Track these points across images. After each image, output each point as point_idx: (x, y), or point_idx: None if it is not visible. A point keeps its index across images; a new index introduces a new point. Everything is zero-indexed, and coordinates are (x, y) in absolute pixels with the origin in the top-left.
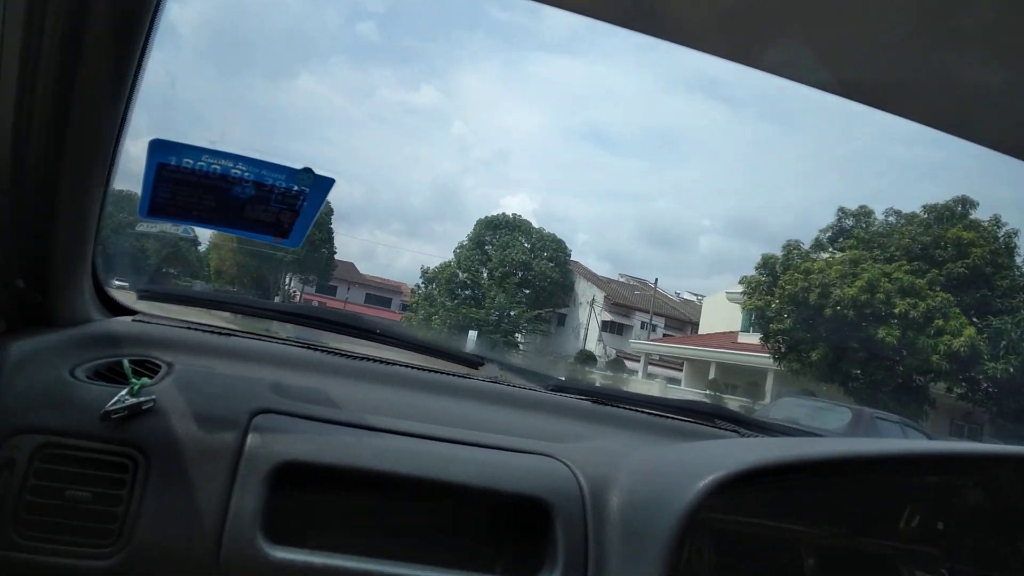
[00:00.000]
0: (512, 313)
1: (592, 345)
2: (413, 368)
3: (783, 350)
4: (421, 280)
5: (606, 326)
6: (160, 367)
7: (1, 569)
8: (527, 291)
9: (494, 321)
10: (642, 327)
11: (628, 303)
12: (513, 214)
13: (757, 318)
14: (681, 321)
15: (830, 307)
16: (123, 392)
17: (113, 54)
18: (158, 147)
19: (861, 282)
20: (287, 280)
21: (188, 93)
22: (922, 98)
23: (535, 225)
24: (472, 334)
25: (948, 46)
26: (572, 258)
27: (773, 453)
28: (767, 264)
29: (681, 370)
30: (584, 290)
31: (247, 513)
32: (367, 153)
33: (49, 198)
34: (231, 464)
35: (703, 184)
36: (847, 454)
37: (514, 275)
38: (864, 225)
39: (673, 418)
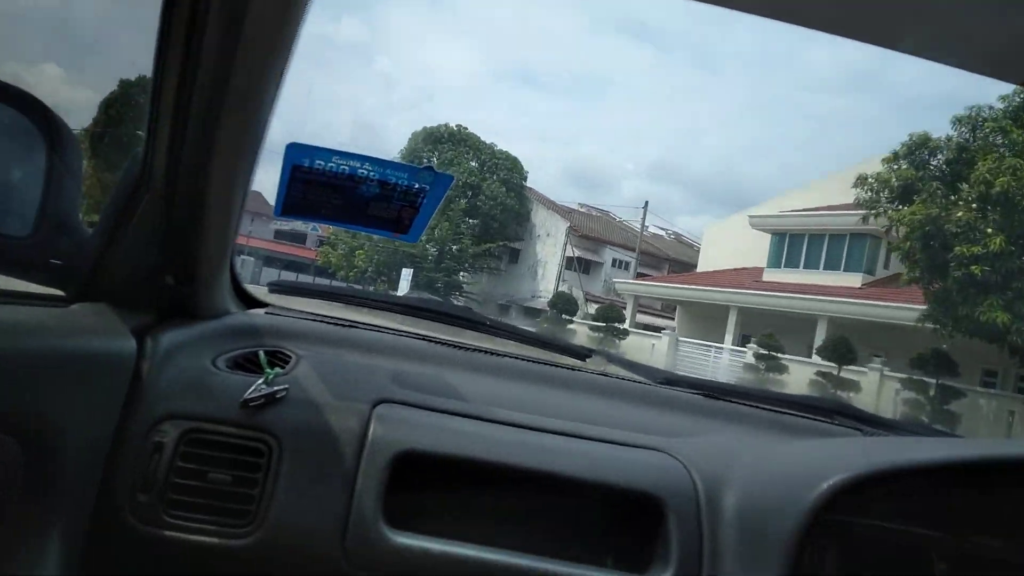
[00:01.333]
0: (455, 247)
1: (552, 286)
2: (522, 359)
3: (934, 296)
4: None
5: (572, 263)
6: (291, 357)
7: (153, 546)
8: (474, 220)
9: (433, 257)
10: (615, 264)
11: (598, 235)
12: (457, 125)
13: (899, 242)
14: (657, 258)
15: None
16: (260, 381)
17: (259, 68)
18: (294, 150)
19: None
20: None
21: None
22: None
23: (484, 140)
24: (406, 273)
25: None
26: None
27: (902, 455)
28: (920, 147)
29: (668, 317)
30: (543, 220)
31: (370, 498)
32: (284, 88)
33: (199, 202)
34: (356, 451)
35: (628, 129)
36: (983, 457)
37: (458, 200)
38: None
39: (790, 414)
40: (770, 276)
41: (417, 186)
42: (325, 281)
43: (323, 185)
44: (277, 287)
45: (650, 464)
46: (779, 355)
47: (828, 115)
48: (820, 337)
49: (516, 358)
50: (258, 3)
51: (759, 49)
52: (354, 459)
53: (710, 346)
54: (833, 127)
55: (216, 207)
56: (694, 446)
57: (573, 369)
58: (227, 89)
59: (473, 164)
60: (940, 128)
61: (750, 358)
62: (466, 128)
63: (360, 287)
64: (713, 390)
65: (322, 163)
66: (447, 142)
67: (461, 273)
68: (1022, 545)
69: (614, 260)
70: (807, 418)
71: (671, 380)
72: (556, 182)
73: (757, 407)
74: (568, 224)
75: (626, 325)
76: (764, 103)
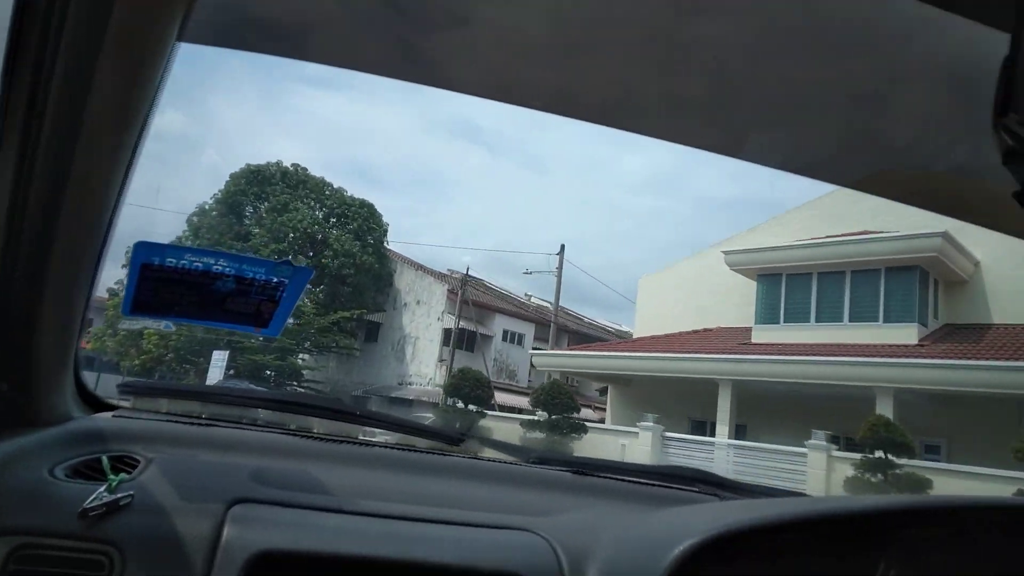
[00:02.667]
0: (291, 321)
1: (426, 368)
2: (393, 448)
3: None
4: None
5: (448, 338)
6: (139, 461)
7: None
8: (318, 287)
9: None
10: (507, 338)
11: (487, 301)
12: (293, 164)
13: None
14: (563, 330)
15: None
16: (101, 489)
17: (102, 157)
18: (143, 249)
19: None
20: None
21: None
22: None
23: (330, 183)
24: (217, 357)
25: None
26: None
27: (745, 516)
28: None
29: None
30: (410, 284)
31: None
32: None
33: (35, 301)
34: (207, 556)
35: (465, 223)
36: (821, 512)
37: (295, 257)
38: None
39: (654, 484)
40: (763, 336)
41: (275, 280)
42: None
43: (175, 283)
44: (128, 388)
45: (516, 544)
46: (902, 460)
47: (644, 213)
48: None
49: (386, 447)
50: (103, 86)
51: (583, 152)
52: (205, 566)
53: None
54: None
55: (55, 307)
56: (560, 523)
57: (444, 454)
58: (67, 181)
59: (317, 213)
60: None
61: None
62: (305, 169)
63: (164, 378)
64: (582, 466)
65: (173, 261)
66: (275, 182)
67: (299, 356)
68: None
69: (506, 332)
70: (670, 488)
71: (543, 459)
72: None
73: (623, 480)
74: (446, 287)
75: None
76: (588, 201)
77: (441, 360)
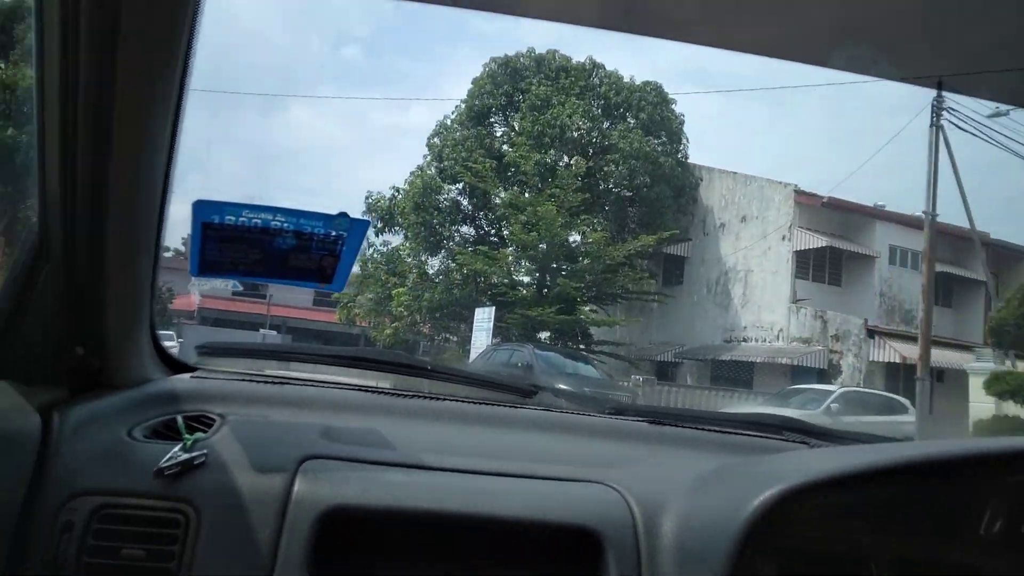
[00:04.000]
0: (567, 266)
1: (777, 312)
2: (465, 401)
3: None
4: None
5: (807, 263)
6: (214, 421)
7: None
8: (602, 211)
9: (530, 283)
10: (894, 259)
11: (852, 205)
12: (548, 50)
13: None
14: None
15: None
16: (176, 448)
17: (141, 125)
18: (202, 207)
19: None
20: None
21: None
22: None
23: (599, 63)
24: (481, 316)
25: None
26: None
27: (834, 463)
28: None
29: None
30: (728, 195)
31: (295, 559)
32: (363, 178)
33: (98, 266)
34: (279, 512)
35: None
36: (913, 459)
37: (564, 172)
38: None
39: (737, 433)
40: None
41: (335, 233)
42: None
43: (238, 240)
44: (206, 349)
45: (588, 497)
46: None
47: None
48: None
49: (458, 400)
50: (132, 54)
51: None
52: (276, 522)
53: None
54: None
55: (120, 271)
56: (634, 474)
57: (517, 407)
58: (111, 150)
59: (596, 110)
60: None
61: None
62: (567, 57)
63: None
64: (660, 416)
65: (232, 218)
66: (531, 75)
67: (586, 307)
68: (958, 544)
69: (893, 250)
70: (754, 436)
71: (618, 410)
72: None
73: (704, 429)
74: (790, 189)
75: None
76: None
77: (797, 300)
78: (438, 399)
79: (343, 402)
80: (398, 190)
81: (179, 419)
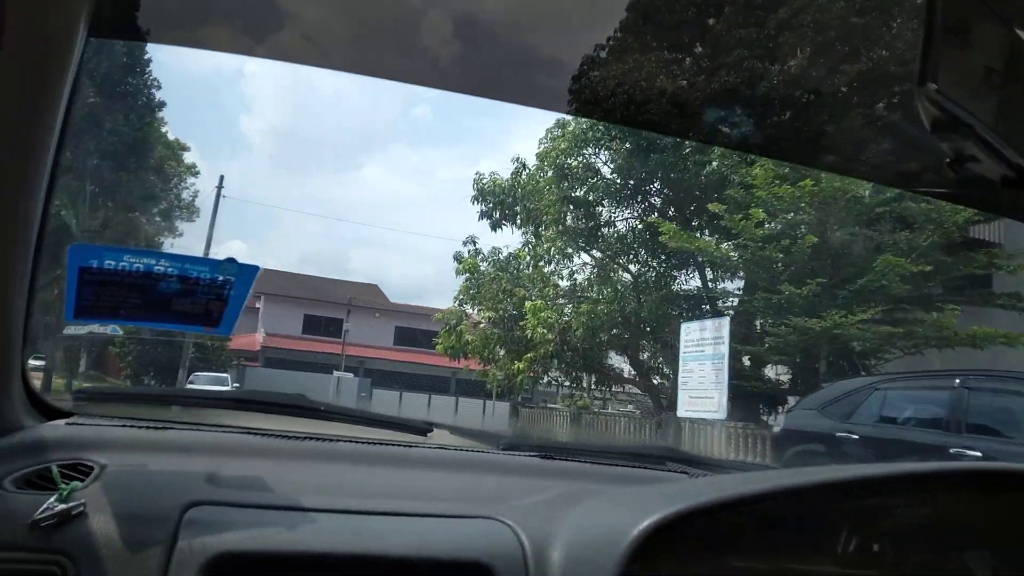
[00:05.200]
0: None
1: None
2: (357, 442)
3: None
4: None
5: None
6: (93, 468)
7: None
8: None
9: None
10: None
11: None
12: None
13: None
14: None
15: None
16: (52, 499)
17: (23, 150)
18: (78, 252)
19: None
20: None
21: (264, 195)
22: None
23: None
24: (707, 330)
25: None
26: None
27: (710, 493)
28: None
29: None
30: None
31: None
32: (438, 230)
33: None
34: (163, 562)
35: None
36: (785, 486)
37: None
38: None
39: (624, 465)
40: None
41: (221, 278)
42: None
43: (116, 285)
44: (83, 395)
45: (479, 533)
46: None
47: None
48: None
49: (351, 442)
50: (8, 86)
51: None
52: (160, 572)
53: None
54: None
55: None
56: (524, 508)
57: (411, 446)
58: None
59: None
60: None
61: None
62: None
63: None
64: (550, 450)
65: (112, 263)
66: None
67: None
68: (824, 561)
69: None
70: (639, 467)
71: (512, 445)
72: None
73: (592, 463)
74: None
75: None
76: None
77: None
78: (331, 440)
79: (229, 446)
80: (523, 164)
81: (54, 468)
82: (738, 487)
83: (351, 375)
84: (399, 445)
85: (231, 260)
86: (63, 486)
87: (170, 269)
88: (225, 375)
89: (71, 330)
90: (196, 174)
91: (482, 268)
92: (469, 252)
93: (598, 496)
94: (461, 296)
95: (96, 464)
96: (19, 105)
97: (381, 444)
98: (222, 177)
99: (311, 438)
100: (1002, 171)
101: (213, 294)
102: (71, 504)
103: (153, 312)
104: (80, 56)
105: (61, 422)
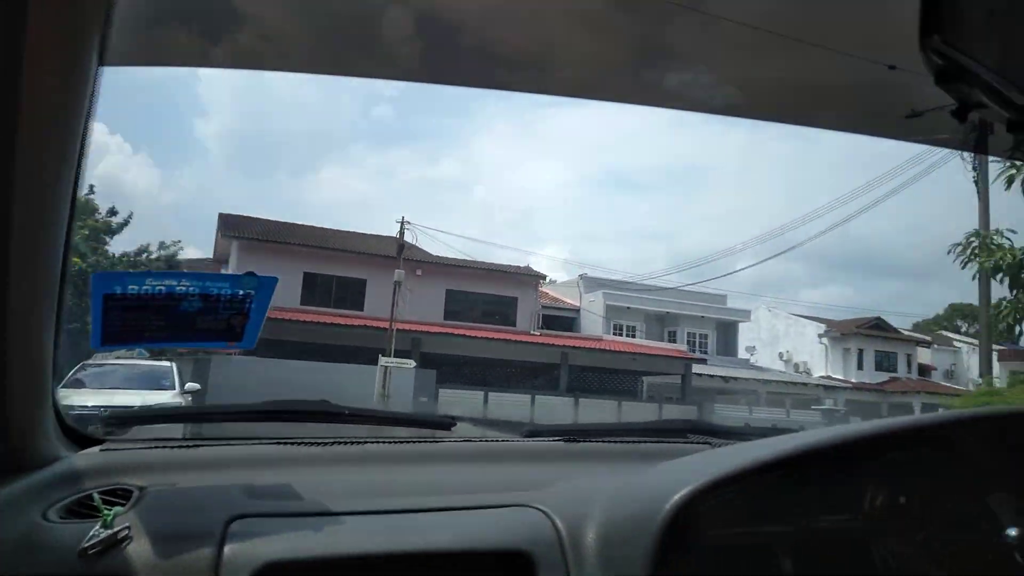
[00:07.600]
0: None
1: None
2: (383, 442)
3: None
4: None
5: None
6: (132, 492)
7: None
8: None
9: None
10: None
11: None
12: None
13: None
14: None
15: None
16: (97, 526)
17: (43, 184)
18: (101, 279)
19: None
20: None
21: (221, 201)
22: None
23: None
24: None
25: None
26: None
27: (735, 459)
28: None
29: None
30: None
31: None
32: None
33: None
34: None
35: (732, 210)
36: (808, 446)
37: None
38: None
39: (646, 442)
40: None
41: (242, 292)
42: None
43: (141, 309)
44: (112, 420)
45: (514, 521)
46: None
47: None
48: None
49: (377, 442)
50: (27, 119)
51: None
52: None
53: None
54: None
55: (19, 349)
56: (556, 493)
57: (436, 441)
58: (6, 223)
59: None
60: None
61: None
62: None
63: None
64: (573, 433)
65: (135, 287)
66: None
67: None
68: (852, 519)
69: None
70: (663, 442)
71: (534, 432)
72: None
73: (616, 442)
74: None
75: None
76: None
77: None
78: (358, 443)
79: (262, 457)
80: None
81: (95, 495)
82: (764, 452)
83: (411, 362)
84: (425, 441)
85: (250, 274)
86: (106, 512)
87: (192, 288)
88: (168, 364)
89: (99, 358)
90: None
91: None
92: None
93: (626, 474)
94: None
95: (135, 488)
96: (41, 142)
97: (407, 442)
98: None
99: (339, 442)
100: (1008, 115)
101: (235, 309)
102: (116, 529)
103: (178, 332)
104: (93, 86)
105: (95, 449)
